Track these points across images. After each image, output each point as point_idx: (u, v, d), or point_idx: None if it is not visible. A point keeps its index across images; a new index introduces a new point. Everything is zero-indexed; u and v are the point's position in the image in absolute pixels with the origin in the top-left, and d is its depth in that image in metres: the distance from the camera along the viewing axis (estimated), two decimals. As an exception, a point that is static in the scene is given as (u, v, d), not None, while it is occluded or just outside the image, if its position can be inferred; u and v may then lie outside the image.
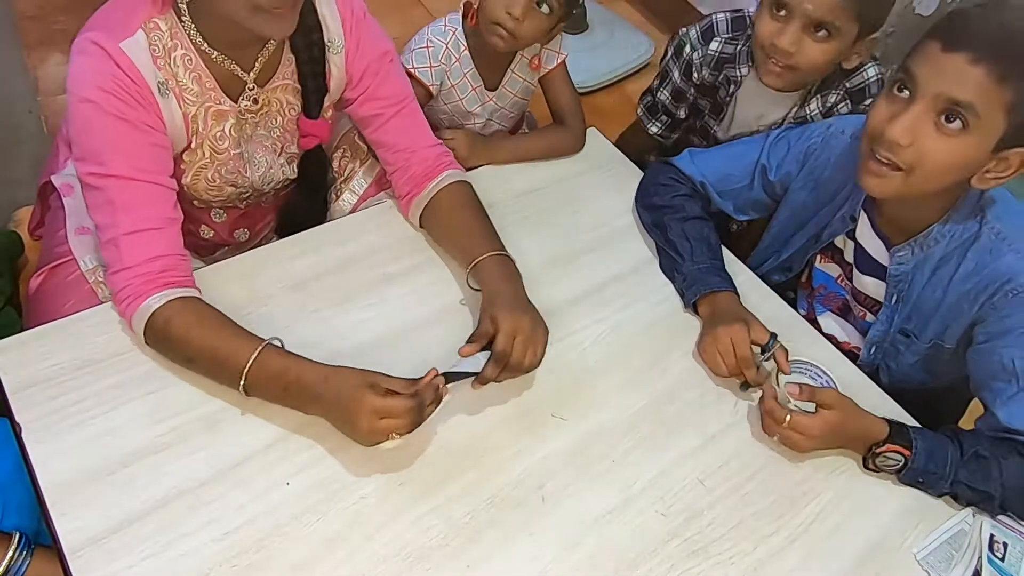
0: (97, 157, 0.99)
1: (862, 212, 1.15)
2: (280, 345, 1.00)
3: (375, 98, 1.22)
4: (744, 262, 1.32)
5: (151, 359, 1.04)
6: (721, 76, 1.44)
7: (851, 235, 1.18)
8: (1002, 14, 0.94)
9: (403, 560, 0.91)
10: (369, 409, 0.93)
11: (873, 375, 1.19)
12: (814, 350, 1.18)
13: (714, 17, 1.43)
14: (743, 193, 1.29)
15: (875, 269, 1.16)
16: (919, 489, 1.04)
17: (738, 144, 1.31)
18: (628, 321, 1.19)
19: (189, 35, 1.05)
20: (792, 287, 1.33)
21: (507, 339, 1.02)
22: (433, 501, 0.96)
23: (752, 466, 1.05)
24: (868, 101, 1.35)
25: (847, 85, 1.36)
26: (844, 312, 1.27)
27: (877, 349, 1.19)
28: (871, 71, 1.35)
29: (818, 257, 1.25)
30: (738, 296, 1.17)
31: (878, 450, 1.02)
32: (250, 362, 0.97)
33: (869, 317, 1.21)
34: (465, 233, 1.19)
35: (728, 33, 1.41)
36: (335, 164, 1.41)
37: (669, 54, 1.49)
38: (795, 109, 1.40)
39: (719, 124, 1.50)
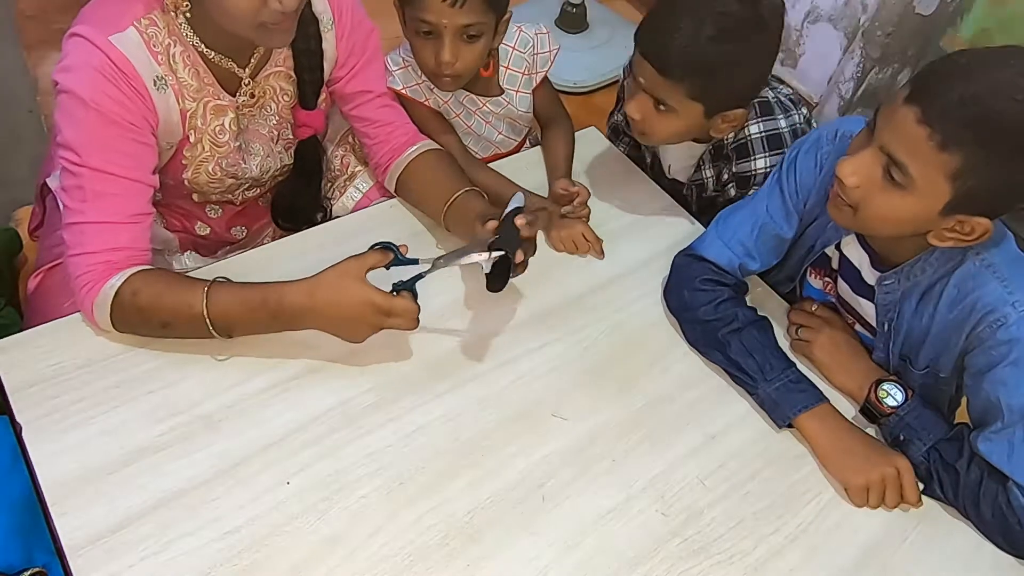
0: (76, 147, 1.00)
1: None
2: (226, 280, 1.03)
3: (363, 76, 1.25)
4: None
5: (151, 359, 1.04)
6: None
7: (837, 245, 1.15)
8: (969, 80, 0.85)
9: (403, 560, 0.91)
10: (370, 304, 0.98)
11: None
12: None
13: None
14: (787, 239, 1.18)
15: (860, 286, 1.12)
16: (898, 449, 1.05)
17: (759, 203, 1.21)
18: (628, 321, 1.19)
19: (185, 35, 1.05)
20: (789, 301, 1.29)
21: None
22: (433, 501, 0.96)
23: (752, 466, 1.05)
24: (752, 191, 1.27)
25: (734, 169, 1.28)
26: None
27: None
28: (753, 128, 1.25)
29: (810, 272, 1.22)
30: (828, 400, 1.09)
31: (883, 379, 1.07)
32: (204, 306, 0.99)
33: (859, 327, 1.18)
34: (439, 183, 1.22)
35: None
36: (337, 162, 1.42)
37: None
38: (692, 172, 1.37)
39: (644, 156, 1.49)
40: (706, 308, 1.14)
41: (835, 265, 1.17)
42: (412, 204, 1.29)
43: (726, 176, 1.31)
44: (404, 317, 1.00)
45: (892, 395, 1.07)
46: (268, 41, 1.06)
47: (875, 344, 1.14)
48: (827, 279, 1.20)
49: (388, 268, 1.03)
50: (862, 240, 1.10)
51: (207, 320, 1.00)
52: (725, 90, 1.16)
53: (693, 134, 1.25)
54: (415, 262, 1.03)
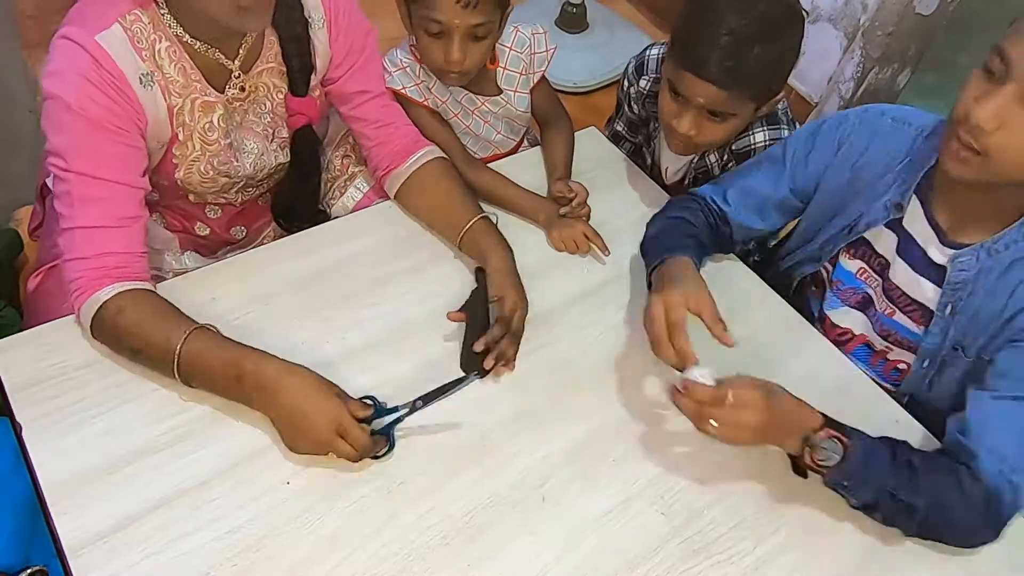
0: (62, 152, 1.00)
1: (913, 199, 1.06)
2: (215, 331, 1.01)
3: (361, 75, 1.25)
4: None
5: (151, 359, 1.04)
6: (649, 112, 1.43)
7: (890, 225, 1.10)
8: None
9: (403, 560, 0.91)
10: (334, 417, 0.94)
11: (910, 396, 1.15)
12: (817, 350, 1.19)
13: (647, 53, 1.41)
14: (768, 198, 1.23)
15: (923, 265, 1.07)
16: (840, 494, 0.97)
17: (756, 159, 1.28)
18: (628, 321, 1.19)
19: (170, 27, 1.05)
20: (814, 283, 1.28)
21: (512, 311, 1.10)
22: (433, 501, 0.96)
23: (752, 466, 1.05)
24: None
25: (733, 147, 1.34)
26: (863, 306, 1.20)
27: (930, 363, 1.10)
28: (759, 135, 1.31)
29: (844, 253, 1.18)
30: (695, 263, 1.08)
31: (816, 436, 0.91)
32: (181, 344, 0.96)
33: (899, 316, 1.13)
34: (448, 203, 1.24)
35: (656, 72, 1.39)
36: (337, 163, 1.41)
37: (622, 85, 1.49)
38: (695, 160, 1.40)
39: (646, 160, 1.49)
40: (672, 208, 1.26)
41: (881, 249, 1.13)
42: (414, 215, 1.29)
43: (725, 156, 1.36)
44: (355, 446, 0.94)
45: (831, 449, 0.93)
46: (244, 24, 1.02)
47: (927, 331, 1.09)
48: (862, 264, 1.16)
49: (369, 423, 0.97)
50: (929, 216, 1.06)
51: (176, 357, 0.96)
52: (779, 81, 1.23)
53: (739, 131, 1.30)
54: (395, 411, 0.99)
